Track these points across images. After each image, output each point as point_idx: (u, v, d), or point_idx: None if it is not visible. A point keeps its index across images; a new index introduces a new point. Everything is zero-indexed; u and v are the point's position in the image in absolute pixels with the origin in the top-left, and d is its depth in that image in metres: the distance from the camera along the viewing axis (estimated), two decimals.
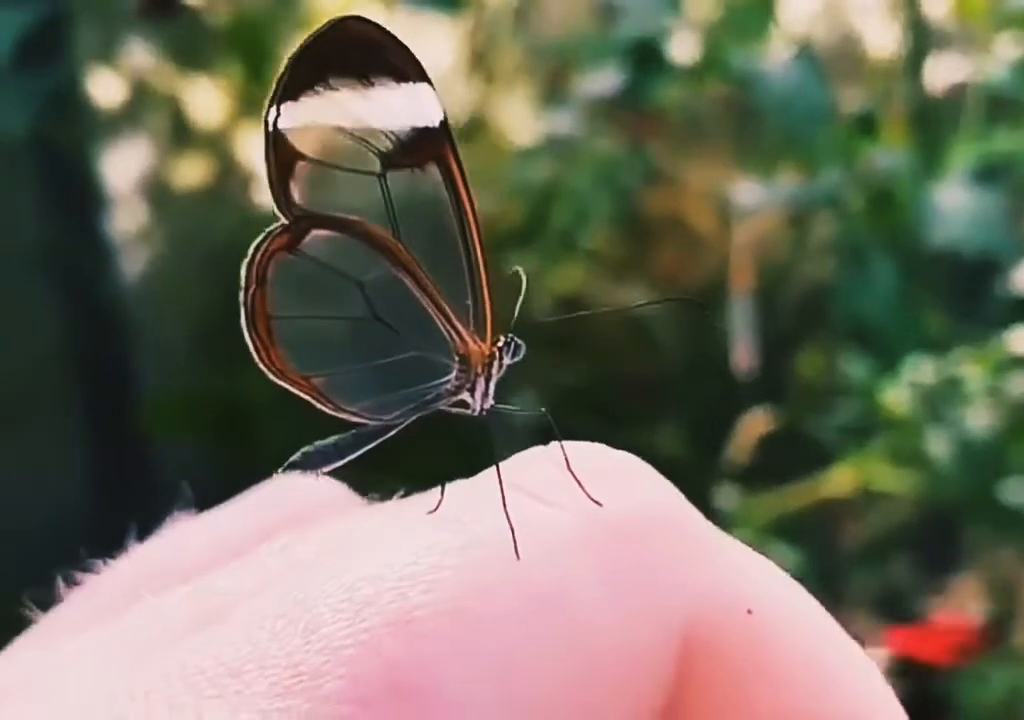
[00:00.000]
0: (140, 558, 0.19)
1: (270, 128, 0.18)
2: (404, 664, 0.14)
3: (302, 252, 0.18)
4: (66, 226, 0.90)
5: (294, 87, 0.18)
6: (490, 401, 0.19)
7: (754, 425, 0.74)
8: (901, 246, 0.73)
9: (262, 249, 0.18)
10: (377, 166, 0.18)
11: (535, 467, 0.17)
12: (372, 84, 0.18)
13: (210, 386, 0.88)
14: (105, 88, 0.88)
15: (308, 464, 0.18)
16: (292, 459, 0.18)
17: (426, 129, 0.18)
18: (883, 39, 0.85)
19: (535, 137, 0.86)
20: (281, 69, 0.18)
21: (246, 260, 0.18)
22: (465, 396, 0.19)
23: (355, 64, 0.18)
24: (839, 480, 0.67)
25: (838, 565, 0.75)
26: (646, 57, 0.76)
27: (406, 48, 0.18)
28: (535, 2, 0.91)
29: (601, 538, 0.15)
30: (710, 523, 0.16)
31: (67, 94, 0.86)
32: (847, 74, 0.86)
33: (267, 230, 0.18)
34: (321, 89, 0.18)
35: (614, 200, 0.81)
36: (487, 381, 0.19)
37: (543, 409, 0.19)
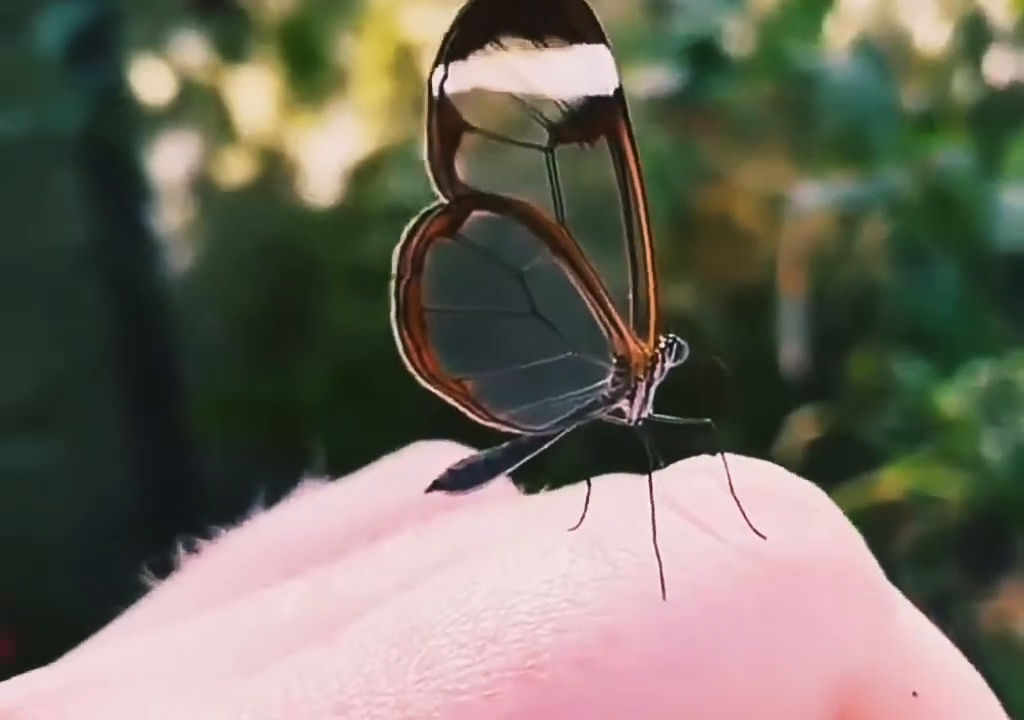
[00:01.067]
0: (263, 530, 0.18)
1: (435, 92, 0.16)
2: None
3: (462, 236, 0.16)
4: (113, 222, 0.90)
5: (463, 45, 0.16)
6: (649, 409, 0.17)
7: (803, 426, 0.73)
8: (962, 247, 0.72)
9: (419, 232, 0.16)
10: (545, 139, 0.16)
11: (695, 483, 0.15)
12: (545, 44, 0.16)
13: (256, 384, 0.88)
14: (153, 84, 0.88)
15: (455, 483, 0.16)
16: (437, 478, 0.16)
17: (600, 98, 0.16)
18: (935, 35, 0.84)
19: None
20: (449, 24, 0.16)
21: (399, 245, 0.16)
22: (622, 404, 0.17)
23: (528, 21, 0.16)
24: (890, 483, 0.66)
25: (887, 568, 0.74)
26: (703, 55, 0.75)
27: (584, 4, 0.16)
28: None
29: (761, 584, 0.13)
30: (884, 576, 0.15)
31: (117, 90, 0.86)
32: (901, 71, 0.85)
33: (424, 210, 0.16)
34: (491, 48, 0.16)
35: (664, 198, 0.81)
36: (648, 387, 0.17)
37: (708, 420, 0.17)
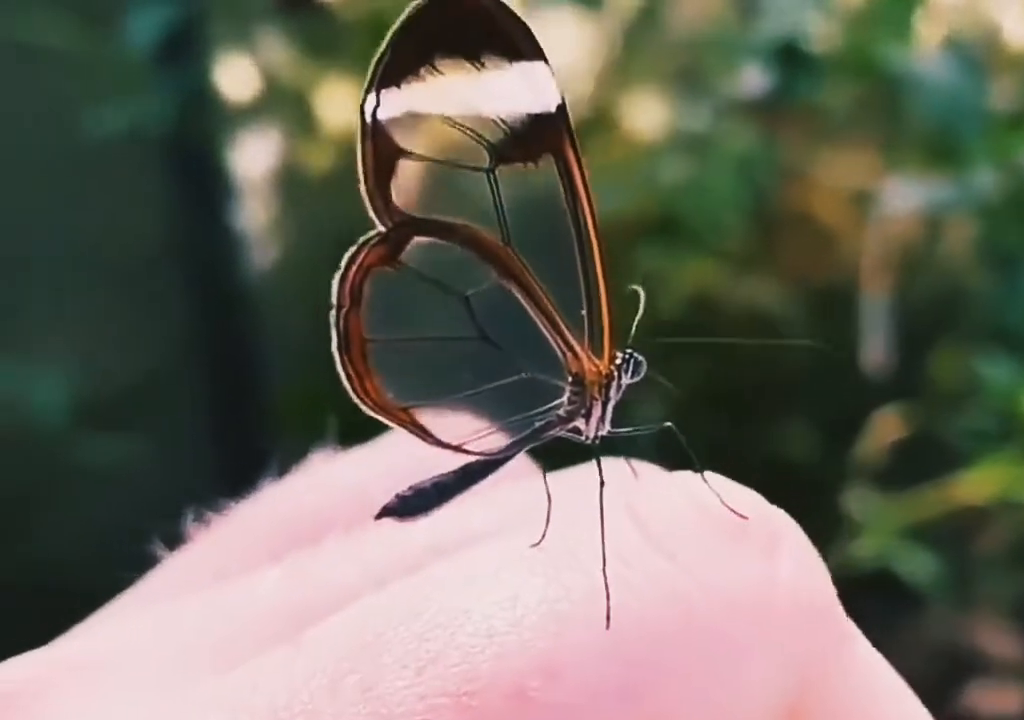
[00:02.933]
0: (268, 503, 0.18)
1: (367, 119, 0.16)
2: None
3: (402, 264, 0.16)
4: (198, 220, 0.91)
5: (395, 71, 0.15)
6: (606, 427, 0.17)
7: (885, 427, 0.72)
8: None
9: (357, 262, 0.16)
10: (486, 160, 0.16)
11: (668, 501, 0.15)
12: (482, 64, 0.15)
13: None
14: (239, 82, 0.89)
15: (405, 509, 0.16)
16: (387, 503, 0.16)
17: (542, 116, 0.16)
18: None
19: (668, 134, 0.85)
20: (380, 50, 0.15)
21: (337, 275, 0.16)
22: (579, 422, 0.17)
23: (463, 41, 0.15)
24: (973, 485, 0.65)
25: (973, 571, 0.74)
26: (790, 55, 0.75)
27: (520, 21, 0.16)
28: None
29: (712, 619, 0.13)
30: (842, 612, 0.14)
31: (203, 89, 0.87)
32: (991, 69, 0.84)
33: (361, 240, 0.16)
34: (425, 71, 0.15)
35: (748, 197, 0.80)
36: (604, 405, 0.17)
37: (669, 424, 0.17)
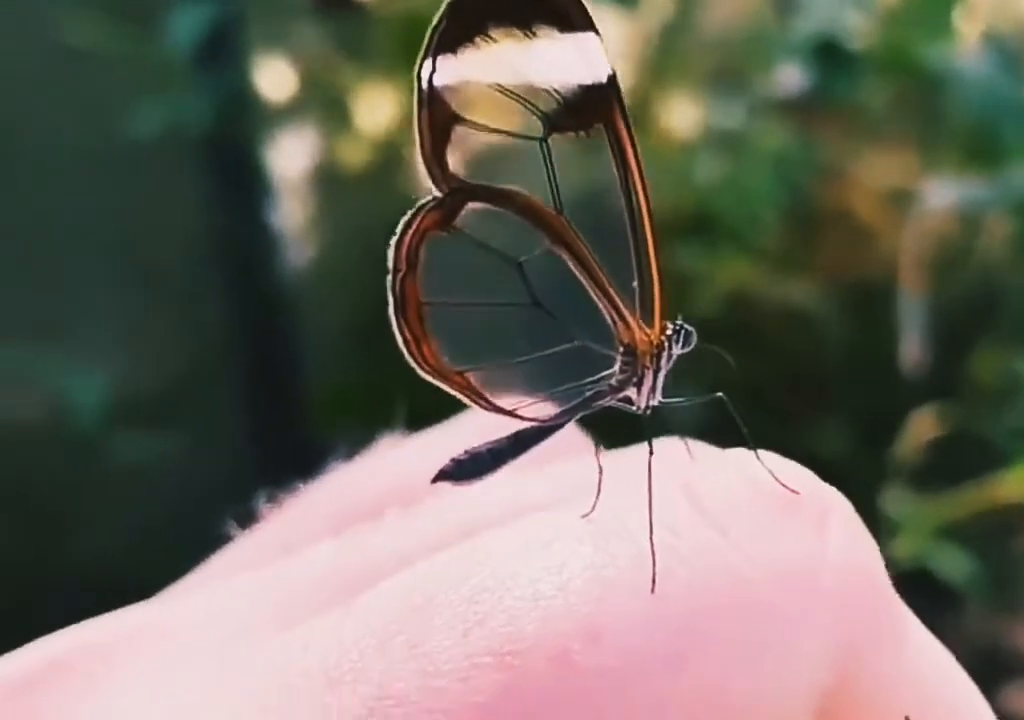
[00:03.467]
0: (337, 485, 0.19)
1: (424, 85, 0.16)
2: (490, 712, 0.13)
3: (457, 229, 0.16)
4: (236, 218, 0.91)
5: (451, 38, 0.16)
6: (657, 397, 0.17)
7: (923, 425, 0.72)
8: None
9: (413, 226, 0.16)
10: (539, 130, 0.16)
11: (719, 476, 0.15)
12: (535, 34, 0.16)
13: (376, 376, 0.89)
14: (277, 82, 0.89)
15: (460, 473, 0.16)
16: (443, 467, 0.16)
17: (593, 86, 0.16)
18: None
19: (704, 132, 0.85)
20: (436, 17, 0.16)
21: (394, 239, 0.16)
22: (630, 392, 0.17)
23: (516, 10, 0.16)
24: (1013, 483, 0.65)
25: (1012, 571, 0.73)
26: (828, 53, 0.75)
27: None
28: None
29: (759, 590, 0.13)
30: (895, 595, 0.14)
31: (241, 88, 0.87)
32: None
33: (418, 204, 0.16)
34: (480, 40, 0.16)
35: (784, 194, 0.80)
36: (655, 374, 0.17)
37: (720, 394, 0.17)
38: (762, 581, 0.13)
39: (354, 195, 0.93)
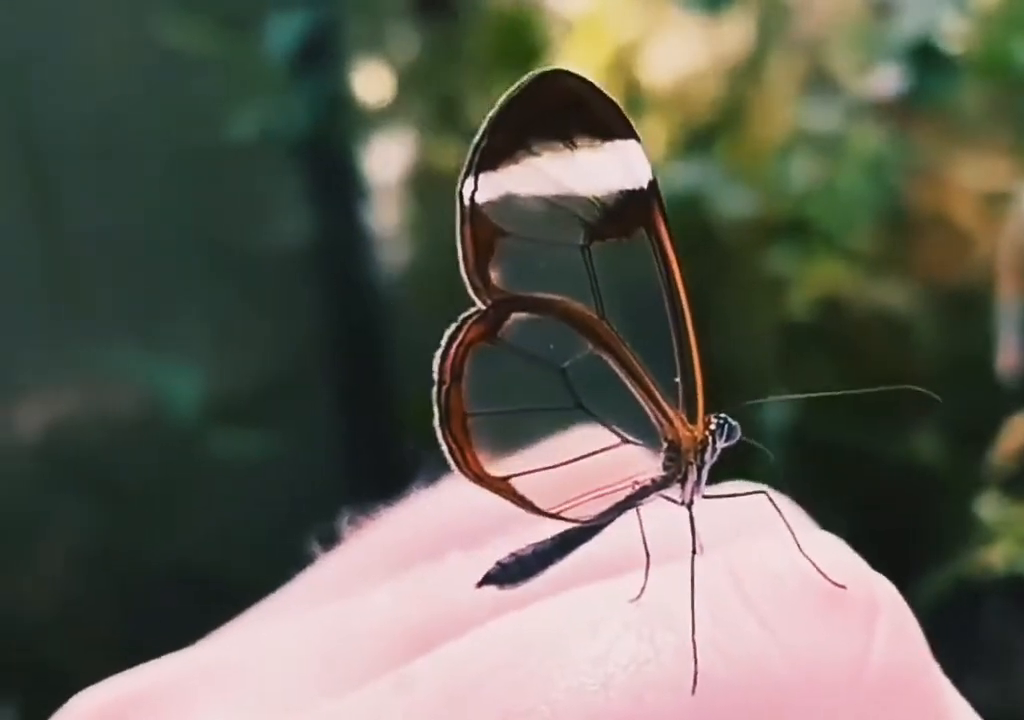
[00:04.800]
0: (416, 512, 0.19)
1: (467, 203, 0.16)
2: None
3: (501, 340, 0.16)
4: (333, 220, 0.92)
5: (493, 154, 0.16)
6: (701, 492, 0.17)
7: (1020, 431, 0.71)
8: None
9: (458, 340, 0.16)
10: (581, 237, 0.16)
11: (769, 562, 0.14)
12: (576, 145, 0.16)
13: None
14: (374, 84, 0.90)
15: (506, 577, 0.16)
16: (489, 571, 0.16)
17: (634, 192, 0.16)
18: None
19: (798, 134, 0.85)
20: (478, 135, 0.16)
21: (438, 352, 0.16)
22: (674, 487, 0.17)
23: (557, 123, 0.16)
24: None
25: None
26: (925, 55, 0.74)
27: (611, 101, 0.16)
28: None
29: (799, 695, 0.13)
30: (945, 686, 0.14)
31: (339, 92, 0.88)
32: None
33: (462, 317, 0.16)
34: (521, 154, 0.16)
35: (879, 198, 0.79)
36: (699, 470, 0.17)
37: (764, 490, 0.16)
38: (803, 685, 0.13)
39: (451, 198, 0.94)
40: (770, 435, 0.63)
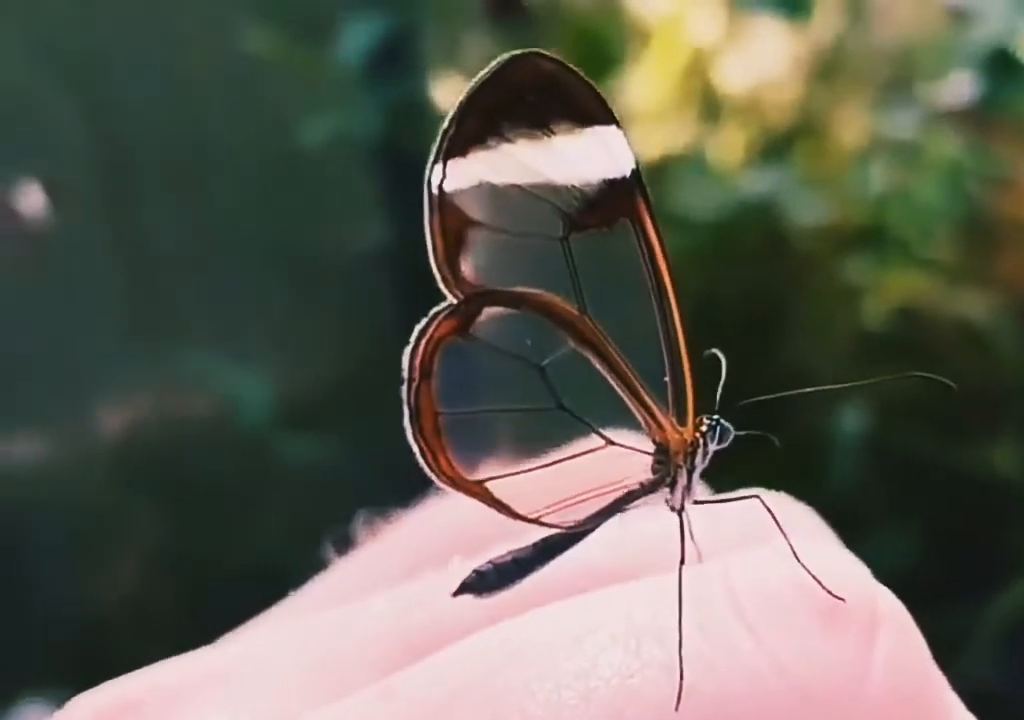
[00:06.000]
0: (433, 515, 0.19)
1: (434, 191, 0.16)
2: None
3: (474, 335, 0.16)
4: (406, 226, 0.93)
5: (462, 141, 0.15)
6: (693, 497, 0.16)
7: None
8: None
9: (427, 335, 0.16)
10: (559, 228, 0.15)
11: (765, 570, 0.14)
12: (552, 131, 0.15)
13: None
14: (450, 91, 0.90)
15: (483, 585, 0.16)
16: (465, 580, 0.16)
17: (616, 181, 0.15)
18: None
19: (874, 141, 0.84)
20: (446, 120, 0.15)
21: (408, 348, 0.16)
22: (663, 492, 0.16)
23: (532, 108, 0.15)
24: None
25: None
26: (1001, 63, 0.73)
27: (589, 85, 0.15)
28: (880, 4, 0.88)
29: (791, 712, 0.13)
30: (952, 703, 0.14)
31: (416, 99, 0.88)
32: None
33: (432, 311, 0.16)
34: (493, 141, 0.15)
35: (957, 205, 0.79)
36: (690, 473, 0.16)
37: (757, 495, 0.15)
38: (797, 702, 0.13)
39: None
40: (843, 446, 0.63)
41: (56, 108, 0.81)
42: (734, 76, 0.83)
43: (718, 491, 0.17)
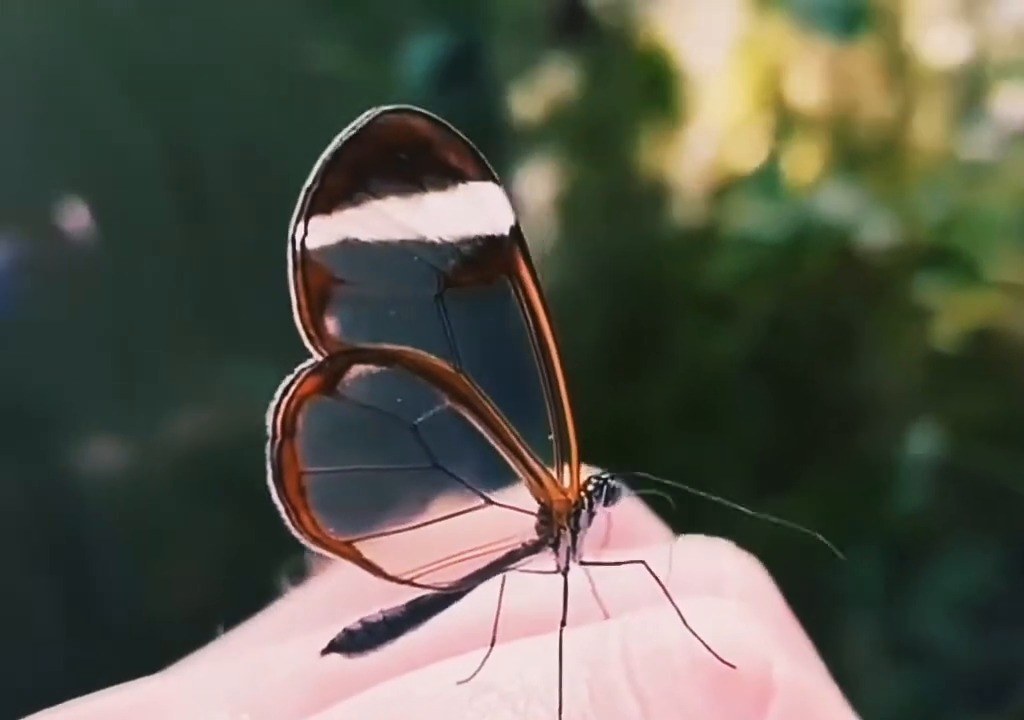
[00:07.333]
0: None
1: (296, 249, 0.15)
2: None
3: (341, 394, 0.15)
4: None
5: (326, 197, 0.15)
6: (579, 558, 0.16)
7: None
8: None
9: (290, 393, 0.15)
10: (435, 285, 0.15)
11: (660, 625, 0.14)
12: (426, 188, 0.15)
13: (605, 406, 0.89)
14: (520, 108, 0.90)
15: (352, 645, 0.15)
16: (334, 638, 0.15)
17: (494, 237, 0.15)
18: None
19: (950, 160, 0.83)
20: (310, 177, 0.15)
21: (272, 405, 0.15)
22: (546, 553, 0.16)
23: (403, 165, 0.15)
24: None
25: None
26: None
27: (463, 141, 0.15)
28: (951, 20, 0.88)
29: None
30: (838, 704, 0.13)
31: (484, 116, 0.89)
32: None
33: (298, 369, 0.15)
34: (361, 198, 0.15)
35: None
36: (574, 535, 0.15)
37: (642, 561, 0.15)
38: None
39: (598, 222, 0.93)
40: (916, 469, 0.62)
41: (121, 125, 0.81)
42: (808, 95, 0.83)
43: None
